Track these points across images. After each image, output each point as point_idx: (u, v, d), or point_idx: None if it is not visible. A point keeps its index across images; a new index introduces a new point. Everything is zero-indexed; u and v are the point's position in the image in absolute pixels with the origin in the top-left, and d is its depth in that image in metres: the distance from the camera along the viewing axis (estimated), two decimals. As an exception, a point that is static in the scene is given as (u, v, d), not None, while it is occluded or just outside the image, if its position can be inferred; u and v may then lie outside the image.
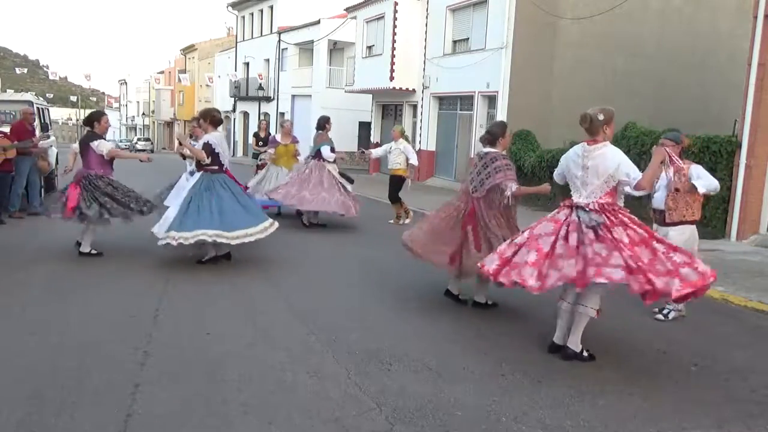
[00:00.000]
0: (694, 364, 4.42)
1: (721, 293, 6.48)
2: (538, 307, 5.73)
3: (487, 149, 5.41)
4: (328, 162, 9.72)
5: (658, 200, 5.39)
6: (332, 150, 9.75)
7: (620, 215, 4.18)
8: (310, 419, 3.32)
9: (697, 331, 5.24)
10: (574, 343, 4.35)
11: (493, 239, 5.23)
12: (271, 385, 3.73)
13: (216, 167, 6.79)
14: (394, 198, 10.72)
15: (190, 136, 6.80)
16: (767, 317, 5.85)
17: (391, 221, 10.78)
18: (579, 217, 4.22)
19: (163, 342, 4.41)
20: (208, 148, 6.69)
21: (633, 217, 4.23)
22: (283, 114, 31.70)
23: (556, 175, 4.69)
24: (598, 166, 4.20)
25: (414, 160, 10.67)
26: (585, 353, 4.34)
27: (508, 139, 5.55)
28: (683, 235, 5.29)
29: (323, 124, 9.99)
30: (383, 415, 3.40)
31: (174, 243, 6.35)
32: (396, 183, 10.63)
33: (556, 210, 4.46)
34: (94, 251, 7.10)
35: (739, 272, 7.54)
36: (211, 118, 6.81)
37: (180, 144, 7.16)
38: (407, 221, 10.69)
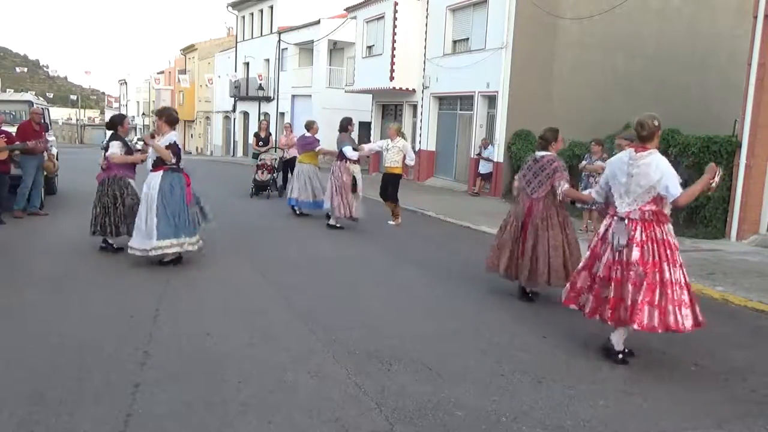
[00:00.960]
0: (694, 364, 4.43)
1: (721, 293, 6.48)
2: (539, 307, 5.74)
3: (542, 153, 5.73)
4: (352, 162, 9.78)
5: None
6: (354, 149, 9.82)
7: (655, 229, 4.21)
8: (310, 419, 3.32)
9: (697, 331, 5.23)
10: (616, 341, 4.39)
11: (540, 240, 5.64)
12: (271, 385, 3.73)
13: (176, 166, 6.75)
14: (394, 197, 10.68)
15: (152, 136, 6.90)
16: (767, 317, 5.85)
17: (391, 222, 10.73)
18: (613, 234, 4.32)
19: (163, 342, 4.41)
20: (174, 148, 6.66)
21: (669, 231, 4.27)
22: (283, 114, 31.71)
23: (601, 188, 4.69)
24: (642, 175, 4.21)
25: (411, 161, 10.54)
26: (620, 355, 4.35)
27: (561, 143, 5.85)
28: None
29: (345, 125, 10.02)
30: (383, 415, 3.40)
31: (171, 251, 6.56)
32: (394, 182, 10.53)
33: (606, 221, 4.52)
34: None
35: (739, 272, 7.54)
36: (167, 117, 6.76)
37: (144, 144, 7.27)
38: (398, 222, 10.62)
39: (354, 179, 9.82)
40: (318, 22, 28.30)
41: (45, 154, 9.98)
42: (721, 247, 9.27)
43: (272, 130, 20.76)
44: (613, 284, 4.27)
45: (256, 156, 14.36)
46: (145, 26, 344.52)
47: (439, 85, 19.21)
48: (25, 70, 54.78)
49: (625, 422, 3.44)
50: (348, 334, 4.70)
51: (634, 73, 16.76)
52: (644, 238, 4.19)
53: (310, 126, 10.94)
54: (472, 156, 17.35)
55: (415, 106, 20.89)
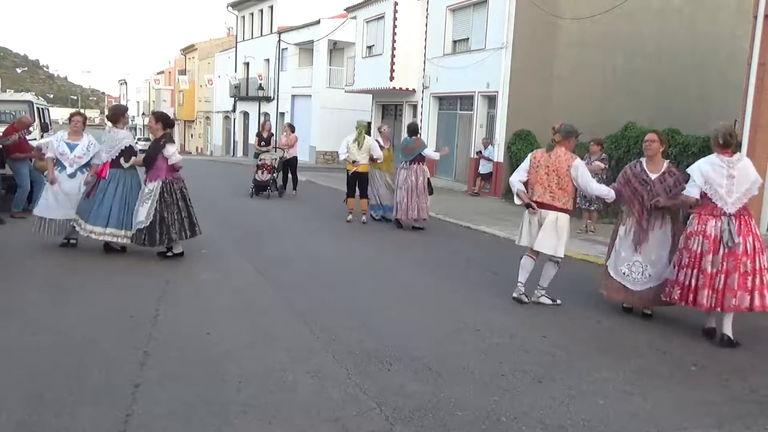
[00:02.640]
0: (694, 364, 4.42)
1: (721, 293, 6.47)
2: (539, 307, 5.73)
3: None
4: (424, 164, 10.11)
5: None
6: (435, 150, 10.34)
7: (751, 223, 4.79)
8: (310, 419, 3.32)
9: (697, 331, 5.24)
10: (728, 329, 4.79)
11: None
12: (271, 385, 3.73)
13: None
14: (365, 194, 10.60)
15: None
16: (767, 317, 5.84)
17: (363, 218, 10.66)
18: (722, 232, 4.69)
19: (163, 342, 4.41)
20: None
21: (754, 224, 4.84)
22: (283, 114, 31.72)
23: (696, 188, 4.87)
24: (744, 176, 4.76)
25: (380, 159, 10.49)
26: (734, 341, 4.77)
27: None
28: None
29: (416, 129, 10.40)
30: (383, 415, 3.40)
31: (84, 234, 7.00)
32: (364, 179, 10.46)
33: (698, 222, 4.84)
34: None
35: (739, 272, 7.52)
36: (108, 116, 7.66)
37: None
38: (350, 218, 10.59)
39: (428, 181, 10.13)
40: (318, 22, 28.30)
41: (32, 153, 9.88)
42: (721, 247, 9.25)
43: (272, 130, 20.74)
44: (723, 276, 4.66)
45: (257, 156, 14.37)
46: (145, 26, 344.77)
47: (439, 85, 19.20)
48: (25, 69, 54.79)
49: (625, 422, 3.44)
50: (348, 334, 4.70)
51: (634, 73, 16.75)
52: (746, 231, 4.72)
53: (379, 132, 11.15)
54: (472, 156, 17.36)
55: (415, 106, 20.88)
